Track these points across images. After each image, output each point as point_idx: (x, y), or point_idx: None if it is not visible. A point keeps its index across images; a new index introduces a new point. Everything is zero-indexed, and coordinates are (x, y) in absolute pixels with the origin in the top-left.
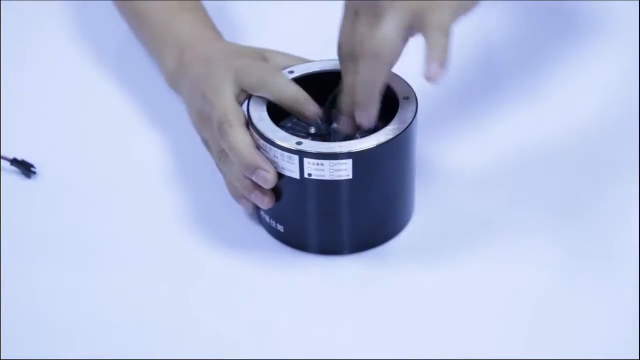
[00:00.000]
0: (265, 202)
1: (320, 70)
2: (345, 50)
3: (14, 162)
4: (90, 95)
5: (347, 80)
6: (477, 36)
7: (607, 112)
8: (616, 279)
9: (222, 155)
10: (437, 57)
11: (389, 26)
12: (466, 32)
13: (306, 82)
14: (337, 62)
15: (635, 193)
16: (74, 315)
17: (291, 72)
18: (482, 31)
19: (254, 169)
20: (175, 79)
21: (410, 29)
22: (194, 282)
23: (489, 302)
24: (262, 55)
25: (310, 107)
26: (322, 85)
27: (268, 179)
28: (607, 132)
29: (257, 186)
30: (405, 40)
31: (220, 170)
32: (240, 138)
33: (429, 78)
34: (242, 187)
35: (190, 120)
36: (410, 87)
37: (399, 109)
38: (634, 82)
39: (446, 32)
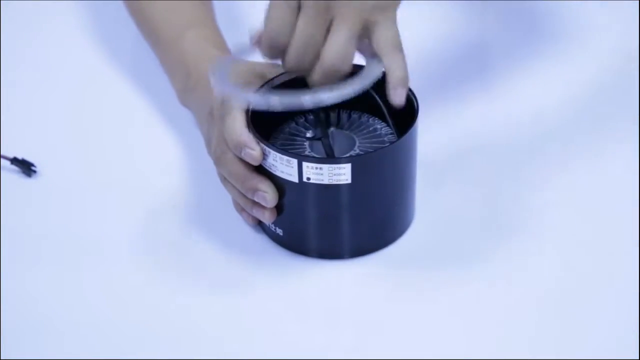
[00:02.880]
0: (267, 217)
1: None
2: (281, 44)
3: (15, 161)
4: (91, 94)
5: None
6: (476, 38)
7: (606, 113)
8: (616, 278)
9: (222, 177)
10: (400, 81)
11: (344, 38)
12: (465, 33)
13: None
14: None
15: (635, 190)
16: (74, 315)
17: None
18: (481, 33)
19: (254, 191)
20: (184, 100)
21: (360, 37)
22: (192, 284)
23: (489, 305)
24: (260, 72)
25: (248, 151)
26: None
27: (268, 199)
28: (607, 131)
29: (257, 202)
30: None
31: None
32: (237, 162)
33: (396, 104)
34: (244, 204)
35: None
36: (411, 91)
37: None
38: (634, 82)
39: (400, 47)
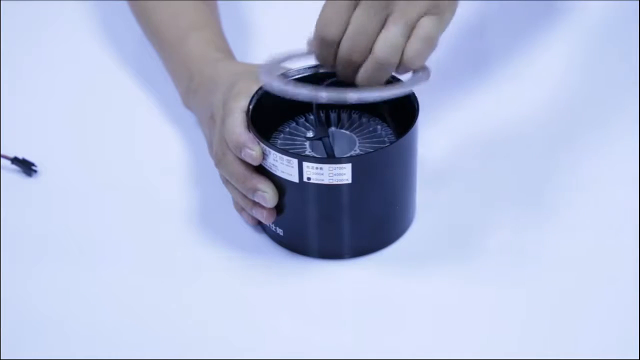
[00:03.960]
0: (266, 217)
1: (298, 78)
2: (333, 35)
3: (15, 160)
4: (92, 94)
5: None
6: (476, 38)
7: (606, 113)
8: (616, 278)
9: (224, 178)
10: (405, 62)
11: (399, 31)
12: (465, 34)
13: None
14: (314, 67)
15: (635, 190)
16: (74, 315)
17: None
18: (481, 32)
19: (254, 191)
20: (187, 102)
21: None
22: (193, 284)
23: (489, 305)
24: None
25: (247, 151)
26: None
27: (267, 199)
28: (607, 131)
29: (257, 203)
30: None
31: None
32: (237, 163)
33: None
34: (244, 204)
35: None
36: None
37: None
38: (634, 82)
39: (431, 41)
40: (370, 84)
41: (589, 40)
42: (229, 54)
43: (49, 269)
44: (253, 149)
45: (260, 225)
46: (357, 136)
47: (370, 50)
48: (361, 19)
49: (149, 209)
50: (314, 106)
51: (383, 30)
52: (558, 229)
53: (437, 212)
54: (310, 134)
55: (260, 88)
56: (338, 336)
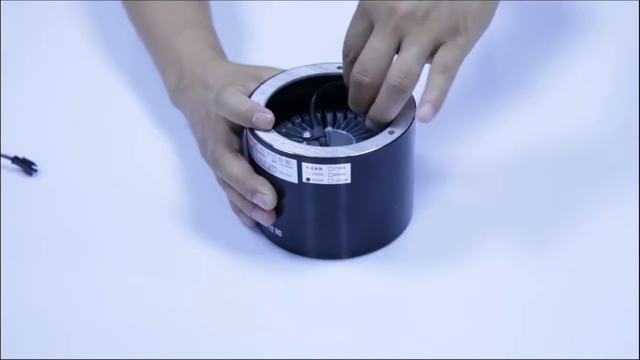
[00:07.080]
0: (266, 219)
1: (294, 80)
2: (352, 56)
3: (15, 160)
4: (92, 93)
5: (350, 81)
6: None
7: (605, 111)
8: (616, 278)
9: (220, 179)
10: (432, 100)
11: (411, 56)
12: None
13: (283, 94)
14: (309, 68)
15: (635, 190)
16: (74, 314)
17: (262, 92)
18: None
19: (253, 193)
20: (176, 100)
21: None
22: (192, 285)
23: (487, 304)
24: (256, 75)
25: (259, 115)
26: (302, 92)
27: (267, 202)
28: (606, 130)
29: (257, 205)
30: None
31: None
32: (235, 164)
33: (419, 118)
34: (243, 206)
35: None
36: None
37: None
38: (634, 82)
39: (451, 74)
40: (380, 116)
41: (589, 40)
42: (220, 53)
43: (49, 268)
44: (265, 112)
45: (258, 227)
46: (354, 136)
47: (381, 76)
48: (374, 42)
49: (149, 209)
50: (311, 106)
51: (397, 56)
52: (557, 228)
53: (434, 211)
54: (307, 134)
55: (256, 88)
56: (337, 336)
